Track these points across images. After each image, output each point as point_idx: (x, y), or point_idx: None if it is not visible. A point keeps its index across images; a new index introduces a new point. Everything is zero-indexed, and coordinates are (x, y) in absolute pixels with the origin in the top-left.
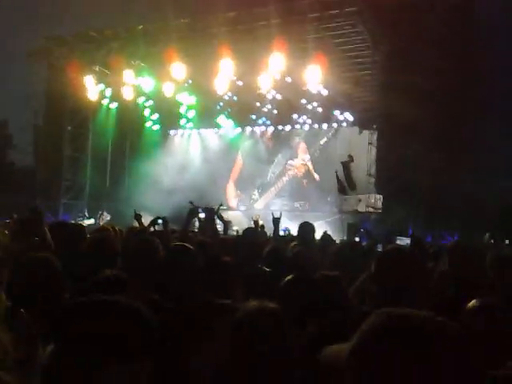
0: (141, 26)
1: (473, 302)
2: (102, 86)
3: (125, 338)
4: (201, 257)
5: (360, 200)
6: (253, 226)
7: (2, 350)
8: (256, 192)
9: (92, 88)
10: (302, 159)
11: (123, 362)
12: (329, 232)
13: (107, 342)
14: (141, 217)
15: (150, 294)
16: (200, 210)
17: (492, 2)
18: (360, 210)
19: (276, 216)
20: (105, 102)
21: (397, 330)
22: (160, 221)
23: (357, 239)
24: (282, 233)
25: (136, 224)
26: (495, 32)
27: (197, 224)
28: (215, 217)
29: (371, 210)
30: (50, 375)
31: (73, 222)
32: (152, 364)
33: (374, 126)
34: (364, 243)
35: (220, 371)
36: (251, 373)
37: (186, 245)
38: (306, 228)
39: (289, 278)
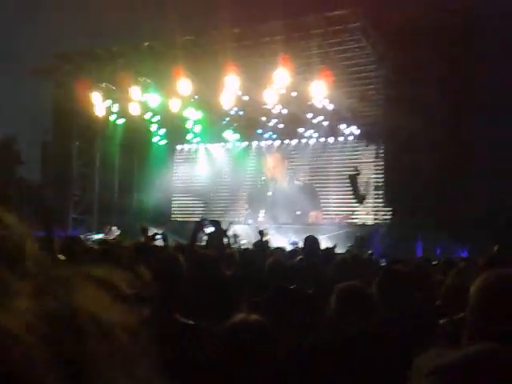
0: (147, 43)
1: None
2: (109, 102)
3: None
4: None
5: (367, 213)
6: (260, 238)
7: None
8: (263, 206)
9: (99, 104)
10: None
11: None
12: (338, 245)
13: None
14: (147, 230)
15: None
16: (207, 222)
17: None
18: (368, 223)
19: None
20: (112, 117)
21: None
22: (159, 236)
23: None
24: (290, 247)
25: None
26: (496, 37)
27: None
28: (222, 230)
29: (379, 222)
30: None
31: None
32: None
33: (381, 140)
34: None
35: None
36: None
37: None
38: (311, 241)
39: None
